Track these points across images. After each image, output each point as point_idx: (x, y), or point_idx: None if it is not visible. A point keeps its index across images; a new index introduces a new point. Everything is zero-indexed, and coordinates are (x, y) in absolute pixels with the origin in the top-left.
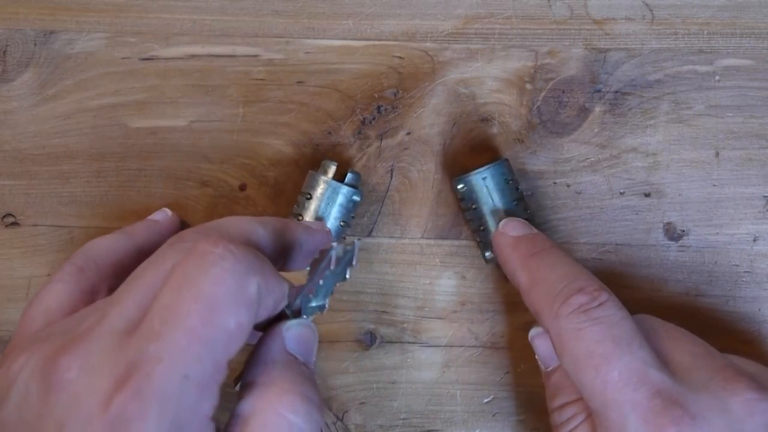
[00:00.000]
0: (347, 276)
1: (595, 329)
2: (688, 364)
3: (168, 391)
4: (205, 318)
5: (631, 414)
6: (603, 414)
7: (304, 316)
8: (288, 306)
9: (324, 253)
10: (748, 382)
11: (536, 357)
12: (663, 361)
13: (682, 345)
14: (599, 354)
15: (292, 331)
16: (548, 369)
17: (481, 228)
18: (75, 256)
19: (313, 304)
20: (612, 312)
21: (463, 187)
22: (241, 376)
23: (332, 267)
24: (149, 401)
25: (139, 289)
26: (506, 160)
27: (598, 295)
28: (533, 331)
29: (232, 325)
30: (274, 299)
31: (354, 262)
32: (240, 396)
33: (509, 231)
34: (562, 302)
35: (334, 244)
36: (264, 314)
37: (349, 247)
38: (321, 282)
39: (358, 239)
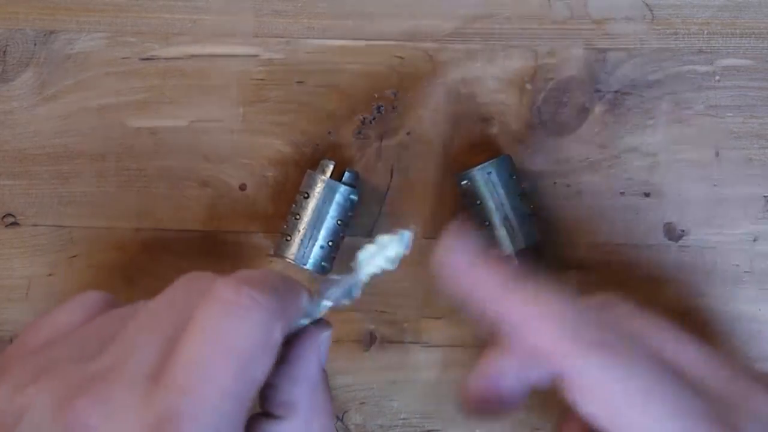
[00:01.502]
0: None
1: (629, 368)
2: (703, 373)
3: None
4: (236, 374)
5: None
6: None
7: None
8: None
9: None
10: None
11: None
12: None
13: (688, 352)
14: (644, 390)
15: (324, 344)
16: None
17: (486, 223)
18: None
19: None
20: (624, 331)
21: (466, 183)
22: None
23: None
24: None
25: (156, 332)
26: (508, 155)
27: (608, 318)
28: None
29: (260, 376)
30: (295, 324)
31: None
32: (276, 414)
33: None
34: (581, 340)
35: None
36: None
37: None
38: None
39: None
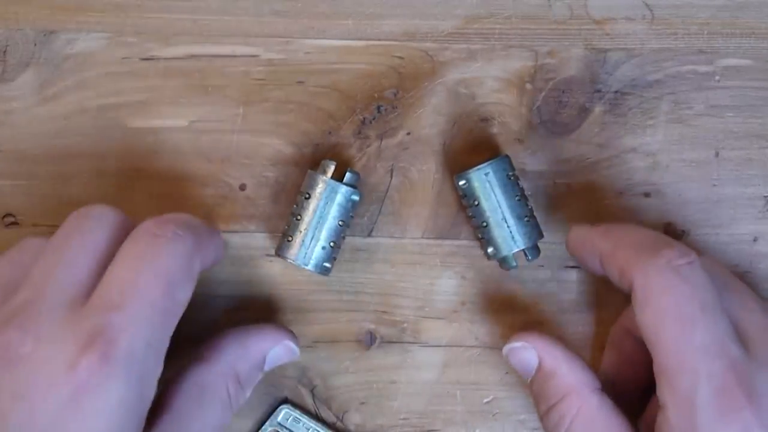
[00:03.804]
0: None
1: (684, 288)
2: (757, 336)
3: (134, 357)
4: (164, 291)
5: (705, 384)
6: (674, 377)
7: None
8: None
9: None
10: None
11: (516, 370)
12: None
13: (752, 313)
14: (686, 315)
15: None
16: (529, 379)
17: (483, 224)
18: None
19: None
20: (700, 274)
21: (464, 184)
22: None
23: None
24: (117, 366)
25: (70, 263)
26: (507, 156)
27: (688, 253)
28: (507, 348)
29: (183, 298)
30: (211, 263)
31: None
32: None
33: (583, 226)
34: (651, 255)
35: None
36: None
37: None
38: None
39: None
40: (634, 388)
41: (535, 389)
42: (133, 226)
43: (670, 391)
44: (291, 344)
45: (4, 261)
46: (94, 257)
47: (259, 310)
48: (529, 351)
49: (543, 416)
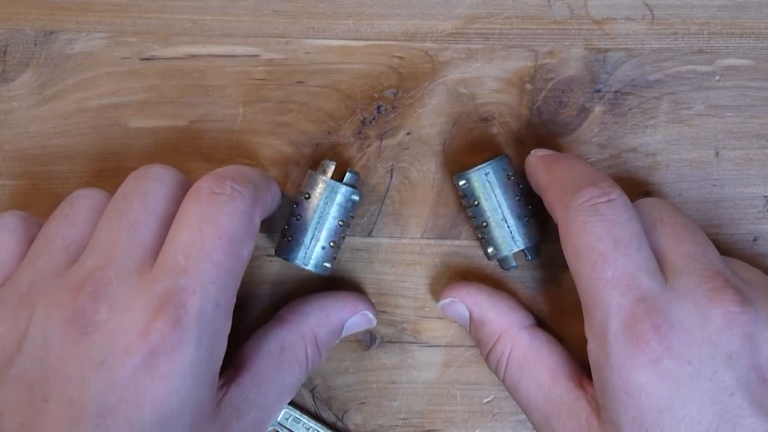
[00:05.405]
0: None
1: (599, 225)
2: (681, 266)
3: (204, 318)
4: (228, 252)
5: (614, 317)
6: (591, 311)
7: None
8: None
9: None
10: (732, 294)
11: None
12: (659, 259)
13: (681, 244)
14: (598, 251)
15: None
16: (467, 327)
17: (483, 224)
18: (8, 212)
19: None
20: (619, 211)
21: (464, 184)
22: None
23: None
24: (188, 329)
25: (134, 226)
26: (507, 156)
27: (610, 191)
28: (440, 304)
29: (246, 254)
30: (269, 212)
31: None
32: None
33: (539, 152)
34: (573, 194)
35: None
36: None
37: None
38: None
39: None
40: None
41: (473, 337)
42: (190, 183)
43: (588, 325)
44: (369, 314)
45: (60, 218)
46: (156, 219)
47: (259, 310)
48: (458, 305)
49: (485, 360)
